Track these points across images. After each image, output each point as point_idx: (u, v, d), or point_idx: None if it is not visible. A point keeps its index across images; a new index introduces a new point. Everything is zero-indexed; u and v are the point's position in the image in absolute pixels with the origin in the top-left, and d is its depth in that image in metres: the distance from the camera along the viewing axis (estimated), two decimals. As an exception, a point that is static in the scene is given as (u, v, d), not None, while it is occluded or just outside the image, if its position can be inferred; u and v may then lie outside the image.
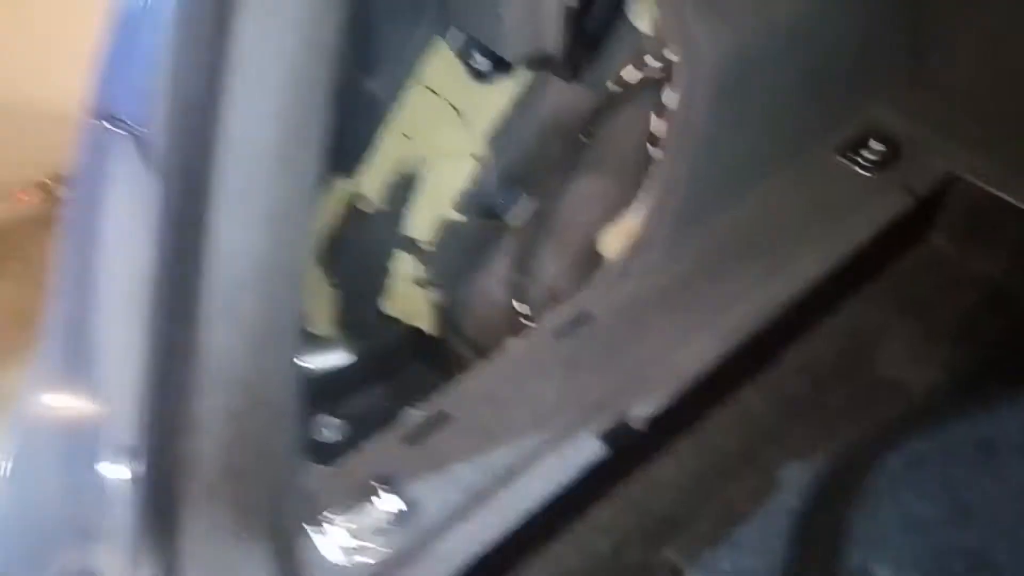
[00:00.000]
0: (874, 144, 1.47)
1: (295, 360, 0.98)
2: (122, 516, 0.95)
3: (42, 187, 2.94)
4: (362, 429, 1.17)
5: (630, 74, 1.36)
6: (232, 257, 0.86)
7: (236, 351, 0.90)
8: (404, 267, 1.57)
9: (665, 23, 1.18)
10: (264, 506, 0.99)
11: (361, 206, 1.53)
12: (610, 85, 1.39)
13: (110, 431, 1.06)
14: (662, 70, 1.32)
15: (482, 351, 1.42)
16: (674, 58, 1.21)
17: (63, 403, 1.15)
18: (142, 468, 0.91)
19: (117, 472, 0.99)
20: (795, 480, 1.29)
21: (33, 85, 2.72)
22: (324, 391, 1.46)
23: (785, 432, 1.33)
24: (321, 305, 1.55)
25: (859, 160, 1.46)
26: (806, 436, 1.33)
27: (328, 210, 1.51)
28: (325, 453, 1.12)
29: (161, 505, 0.92)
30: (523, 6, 1.30)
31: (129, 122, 1.12)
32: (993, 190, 1.43)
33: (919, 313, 1.46)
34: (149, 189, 0.93)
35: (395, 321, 1.59)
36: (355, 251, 1.55)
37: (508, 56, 1.36)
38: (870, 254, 1.39)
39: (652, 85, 1.34)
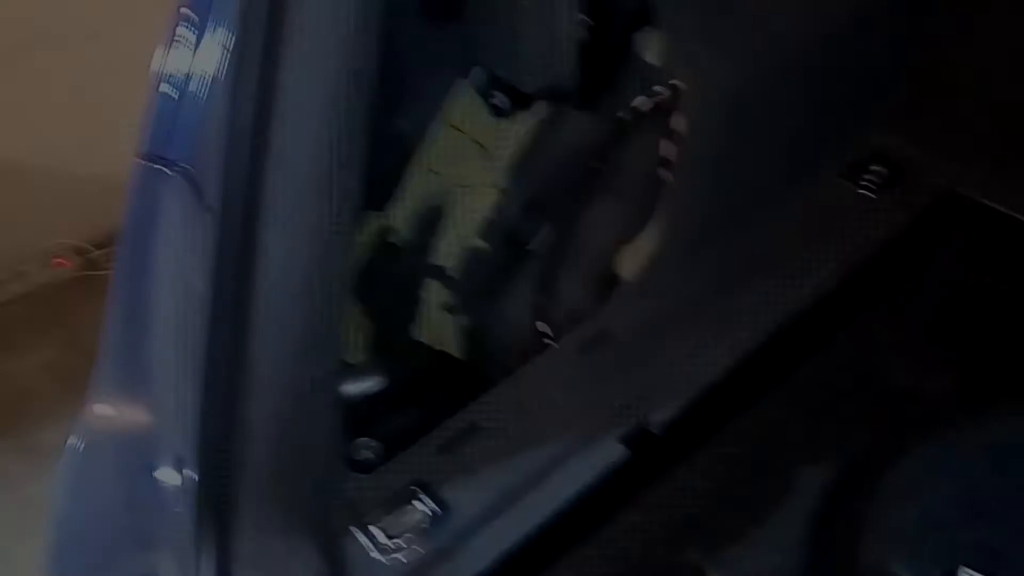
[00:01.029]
0: (876, 167, 1.52)
1: (337, 367, 1.02)
2: (179, 522, 0.97)
3: (79, 252, 2.93)
4: (396, 448, 1.21)
5: (640, 102, 1.40)
6: (281, 270, 0.91)
7: (284, 358, 0.94)
8: (433, 294, 1.60)
9: (672, 55, 1.24)
10: (311, 507, 1.03)
11: (391, 238, 1.56)
12: (622, 114, 1.43)
13: (166, 440, 1.12)
14: (670, 97, 1.36)
15: (508, 371, 1.43)
16: (681, 86, 1.26)
17: (120, 414, 1.21)
18: (197, 474, 0.93)
19: (174, 479, 1.04)
20: (813, 483, 1.32)
21: (68, 152, 2.72)
22: (360, 414, 1.51)
23: (803, 438, 1.37)
24: (355, 334, 1.61)
25: (863, 182, 1.51)
26: (823, 442, 1.37)
27: (361, 243, 1.57)
28: (363, 470, 1.17)
29: (217, 509, 0.95)
30: (539, 43, 1.35)
31: (178, 161, 1.20)
32: (993, 205, 1.48)
33: (927, 325, 1.50)
34: (200, 220, 1.00)
35: (425, 347, 1.64)
36: (386, 281, 1.58)
37: (527, 90, 1.40)
38: (877, 270, 1.43)
39: (661, 111, 1.38)
